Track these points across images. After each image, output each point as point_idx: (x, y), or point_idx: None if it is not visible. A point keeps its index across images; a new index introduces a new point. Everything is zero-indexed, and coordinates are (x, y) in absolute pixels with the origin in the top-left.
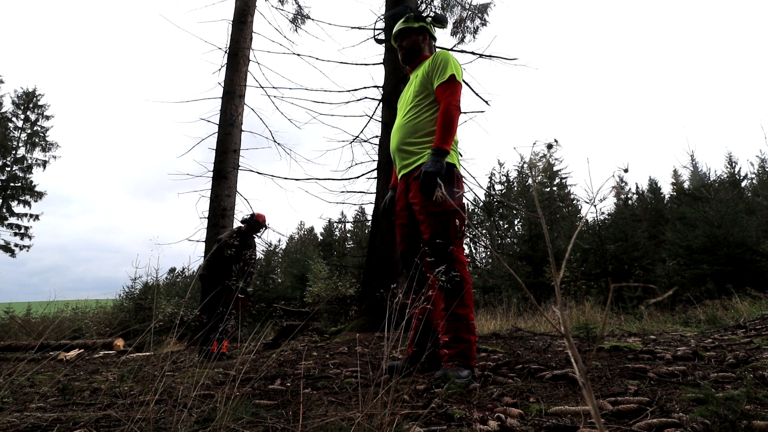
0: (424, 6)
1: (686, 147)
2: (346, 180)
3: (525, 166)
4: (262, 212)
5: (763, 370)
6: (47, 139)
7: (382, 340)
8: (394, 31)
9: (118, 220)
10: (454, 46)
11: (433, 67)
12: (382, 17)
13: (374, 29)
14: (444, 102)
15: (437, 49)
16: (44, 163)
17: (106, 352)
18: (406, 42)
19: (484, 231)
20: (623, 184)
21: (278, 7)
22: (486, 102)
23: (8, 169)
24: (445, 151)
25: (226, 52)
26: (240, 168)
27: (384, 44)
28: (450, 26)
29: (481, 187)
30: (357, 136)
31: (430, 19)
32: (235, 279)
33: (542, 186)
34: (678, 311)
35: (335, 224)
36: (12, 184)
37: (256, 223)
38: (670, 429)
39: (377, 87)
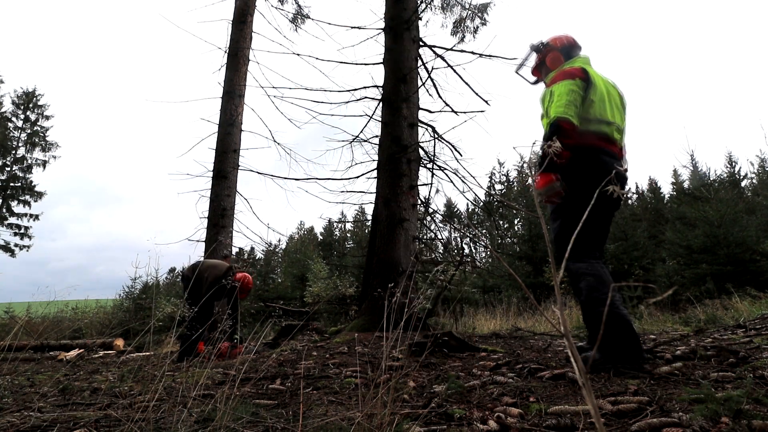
0: (423, 6)
1: (686, 147)
2: (346, 180)
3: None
4: (249, 275)
5: (763, 369)
6: (47, 139)
7: (381, 340)
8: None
9: (121, 219)
10: (454, 45)
11: None
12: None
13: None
14: None
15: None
16: (44, 163)
17: (106, 352)
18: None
19: (484, 231)
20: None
21: (278, 6)
22: (486, 102)
23: (8, 169)
24: None
25: (226, 52)
26: (240, 168)
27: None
28: (450, 26)
29: (481, 187)
30: (357, 136)
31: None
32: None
33: None
34: (678, 311)
35: (335, 224)
36: (12, 184)
37: (241, 284)
38: (670, 429)
39: (377, 87)
